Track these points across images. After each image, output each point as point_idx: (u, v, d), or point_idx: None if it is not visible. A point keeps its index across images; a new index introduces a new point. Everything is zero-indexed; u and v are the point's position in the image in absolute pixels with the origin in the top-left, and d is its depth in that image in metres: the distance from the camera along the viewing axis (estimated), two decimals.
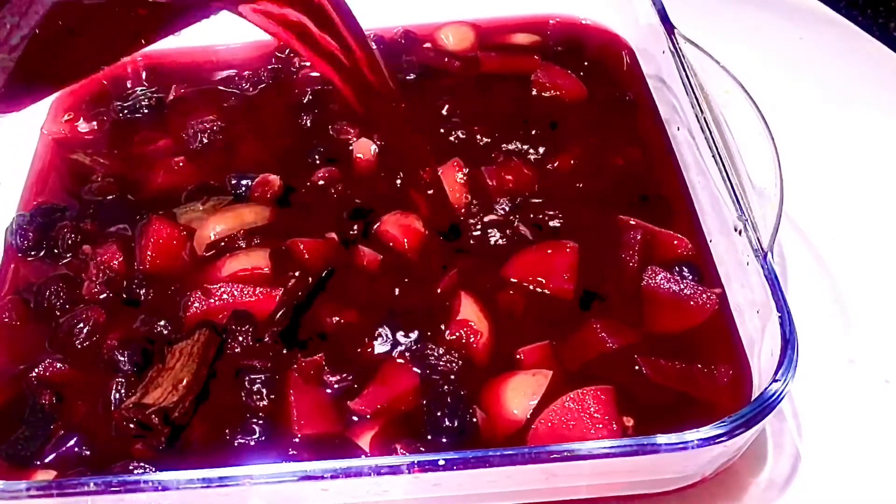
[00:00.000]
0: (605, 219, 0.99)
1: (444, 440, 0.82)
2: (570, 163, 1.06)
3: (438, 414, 0.83)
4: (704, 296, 0.89)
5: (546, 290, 0.93)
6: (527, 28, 1.25)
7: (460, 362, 0.87)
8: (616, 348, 0.87)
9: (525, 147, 1.08)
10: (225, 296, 0.94)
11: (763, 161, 0.90)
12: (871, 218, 1.05)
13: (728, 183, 0.91)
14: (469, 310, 0.90)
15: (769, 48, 1.26)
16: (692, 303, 0.89)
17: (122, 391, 0.87)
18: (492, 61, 1.21)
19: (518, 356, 0.88)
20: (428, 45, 1.24)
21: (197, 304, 0.93)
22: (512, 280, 0.94)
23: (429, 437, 0.82)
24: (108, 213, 1.05)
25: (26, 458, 0.84)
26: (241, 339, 0.90)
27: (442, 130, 1.11)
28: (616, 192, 1.02)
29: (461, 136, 1.10)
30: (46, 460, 0.84)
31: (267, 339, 0.90)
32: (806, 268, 1.00)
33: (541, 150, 1.08)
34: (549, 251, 0.95)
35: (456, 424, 0.82)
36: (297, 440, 0.83)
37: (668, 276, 0.91)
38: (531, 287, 0.94)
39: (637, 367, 0.85)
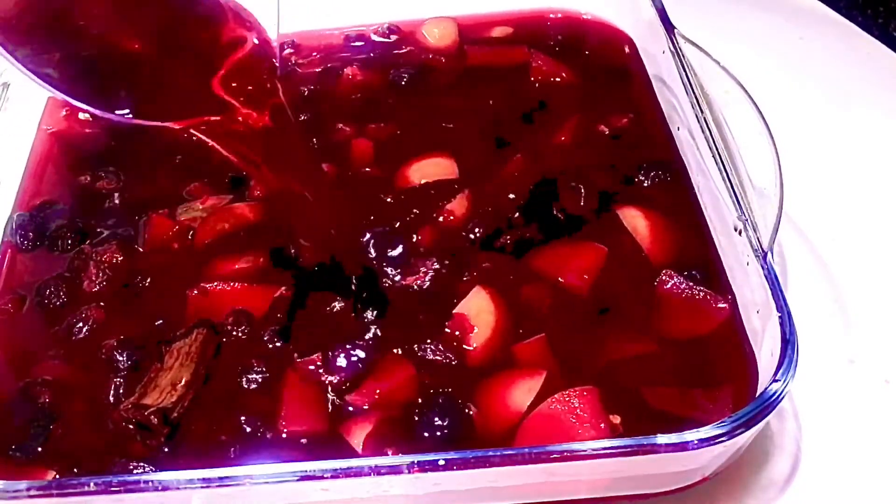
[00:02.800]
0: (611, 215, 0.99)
1: (435, 439, 0.81)
2: (569, 143, 1.08)
3: (430, 412, 0.82)
4: (717, 303, 0.89)
5: (563, 287, 0.93)
6: (526, 22, 1.25)
7: (455, 360, 0.87)
8: (628, 357, 0.87)
9: (527, 138, 1.09)
10: (223, 294, 0.94)
11: (763, 161, 0.90)
12: (871, 218, 1.05)
13: (728, 183, 0.91)
14: (473, 304, 0.90)
15: (769, 48, 1.25)
16: (705, 309, 0.89)
17: (121, 391, 0.87)
18: (479, 55, 1.21)
19: (515, 352, 0.88)
20: (411, 47, 1.23)
21: (195, 303, 0.93)
22: (535, 274, 0.94)
23: (422, 435, 0.82)
24: (107, 211, 1.05)
25: (26, 457, 0.84)
26: (238, 337, 0.90)
27: (441, 127, 1.11)
28: (617, 177, 1.03)
29: (462, 132, 1.10)
30: (46, 460, 0.83)
31: (265, 337, 0.90)
32: (806, 268, 1.00)
33: (542, 139, 1.08)
34: (575, 249, 0.95)
35: (447, 423, 0.82)
36: (293, 439, 0.83)
37: (681, 281, 0.90)
38: (553, 282, 0.93)
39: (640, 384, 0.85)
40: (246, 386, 0.87)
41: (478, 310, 0.90)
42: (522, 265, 0.95)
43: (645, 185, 1.02)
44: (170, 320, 0.92)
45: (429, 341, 0.88)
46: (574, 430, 0.80)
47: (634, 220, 0.98)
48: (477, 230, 0.98)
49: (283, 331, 0.91)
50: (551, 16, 1.26)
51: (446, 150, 1.07)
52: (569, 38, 1.23)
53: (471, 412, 0.83)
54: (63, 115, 1.17)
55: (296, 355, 0.88)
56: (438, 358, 0.87)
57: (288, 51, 1.23)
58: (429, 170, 1.05)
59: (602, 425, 0.80)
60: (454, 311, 0.90)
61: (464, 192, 1.02)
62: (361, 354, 0.88)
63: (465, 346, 0.88)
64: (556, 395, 0.82)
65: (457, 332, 0.89)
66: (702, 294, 0.89)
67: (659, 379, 0.85)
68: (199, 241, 1.00)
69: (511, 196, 1.02)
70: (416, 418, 0.83)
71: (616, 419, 0.81)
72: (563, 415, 0.81)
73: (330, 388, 0.86)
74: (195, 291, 0.94)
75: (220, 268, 0.97)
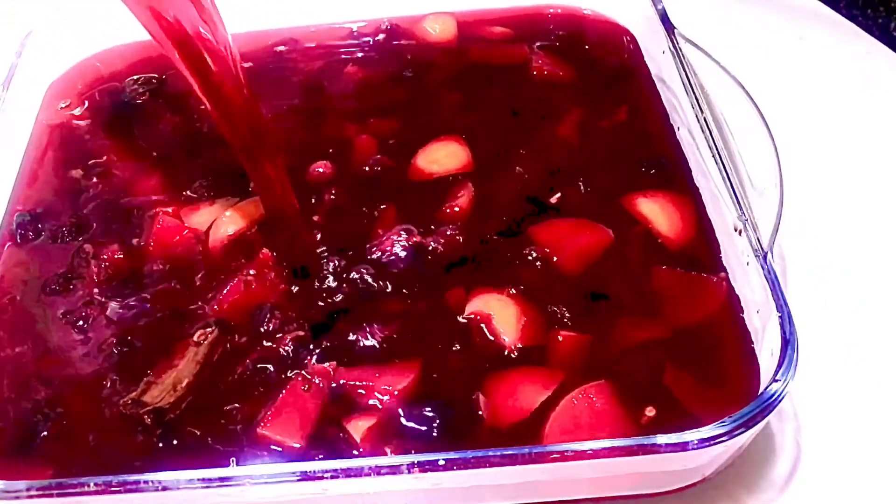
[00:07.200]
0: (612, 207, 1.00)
1: (430, 431, 0.82)
2: (569, 140, 1.08)
3: (425, 405, 0.83)
4: (712, 280, 0.89)
5: (557, 267, 0.93)
6: (526, 18, 1.25)
7: (468, 355, 0.87)
8: (639, 344, 0.87)
9: (528, 135, 1.09)
10: (229, 295, 0.93)
11: (763, 161, 0.90)
12: (872, 218, 1.05)
13: (728, 183, 0.91)
14: (487, 301, 0.91)
15: (769, 48, 1.26)
16: (701, 289, 0.89)
17: (121, 388, 0.87)
18: (480, 52, 1.21)
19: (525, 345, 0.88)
20: (413, 42, 1.24)
21: (202, 303, 0.93)
22: (538, 258, 0.94)
23: (430, 432, 0.82)
24: (108, 208, 1.04)
25: (25, 456, 0.84)
26: (244, 339, 0.90)
27: (442, 123, 1.11)
28: (619, 172, 1.03)
29: (462, 129, 1.10)
30: (46, 459, 0.83)
31: (271, 340, 0.90)
32: (806, 268, 1.00)
33: (541, 136, 1.09)
34: (580, 229, 0.96)
35: (451, 420, 0.82)
36: (292, 440, 0.83)
37: (675, 269, 0.91)
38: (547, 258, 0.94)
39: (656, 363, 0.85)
40: (248, 387, 0.86)
41: (490, 303, 0.90)
42: (523, 252, 0.95)
43: (645, 183, 1.02)
44: (175, 320, 0.92)
45: (438, 345, 0.88)
46: (600, 425, 0.80)
47: (641, 206, 0.98)
48: (479, 226, 0.98)
49: (288, 332, 0.90)
50: (551, 11, 1.25)
51: (447, 147, 1.07)
52: (569, 34, 1.23)
53: (480, 407, 0.83)
54: (61, 108, 1.17)
55: (308, 360, 0.88)
56: (455, 351, 0.87)
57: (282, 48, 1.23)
58: (435, 164, 1.06)
59: (628, 419, 0.80)
60: (467, 307, 0.90)
61: (466, 187, 1.02)
62: (374, 353, 0.88)
63: (479, 340, 0.88)
64: (573, 393, 0.82)
65: (472, 326, 0.89)
66: (694, 274, 0.90)
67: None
68: (204, 240, 0.99)
69: (511, 193, 1.02)
70: (413, 412, 0.83)
71: (651, 411, 0.81)
72: (585, 411, 0.80)
73: (335, 390, 0.86)
74: (203, 291, 0.93)
75: (227, 267, 0.96)
